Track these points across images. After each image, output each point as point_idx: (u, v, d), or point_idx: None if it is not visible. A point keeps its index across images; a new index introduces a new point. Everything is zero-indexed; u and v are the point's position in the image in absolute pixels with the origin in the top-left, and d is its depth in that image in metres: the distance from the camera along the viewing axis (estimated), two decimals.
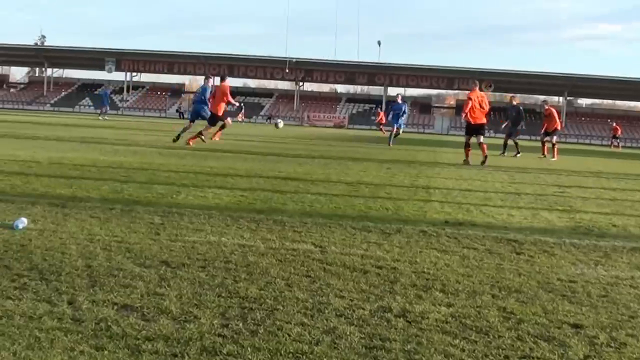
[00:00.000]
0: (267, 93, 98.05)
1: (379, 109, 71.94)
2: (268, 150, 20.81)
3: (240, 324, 4.04)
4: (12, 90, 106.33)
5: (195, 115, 22.37)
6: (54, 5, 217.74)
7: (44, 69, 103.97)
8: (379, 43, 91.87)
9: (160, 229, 6.67)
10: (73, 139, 21.66)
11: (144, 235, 6.35)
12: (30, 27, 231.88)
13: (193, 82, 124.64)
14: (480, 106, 19.10)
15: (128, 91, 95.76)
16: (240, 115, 76.13)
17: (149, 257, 5.48)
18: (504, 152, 26.09)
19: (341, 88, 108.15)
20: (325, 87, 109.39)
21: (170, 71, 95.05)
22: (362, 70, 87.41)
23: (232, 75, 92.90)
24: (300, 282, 4.98)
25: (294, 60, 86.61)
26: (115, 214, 7.37)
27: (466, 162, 19.08)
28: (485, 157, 18.83)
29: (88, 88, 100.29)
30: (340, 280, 5.10)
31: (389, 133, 29.97)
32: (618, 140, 61.56)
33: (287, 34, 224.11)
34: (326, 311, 4.36)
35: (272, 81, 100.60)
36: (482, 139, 19.20)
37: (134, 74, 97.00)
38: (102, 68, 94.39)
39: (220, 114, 21.61)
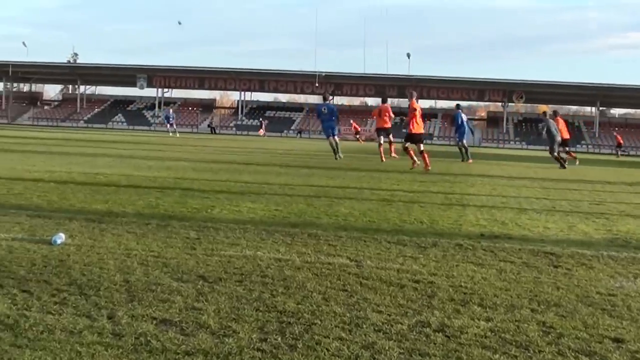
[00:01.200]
0: (298, 107, 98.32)
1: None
2: (300, 164, 20.85)
3: (279, 339, 4.03)
4: (46, 107, 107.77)
5: (331, 131, 24.72)
6: (86, 24, 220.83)
7: (77, 86, 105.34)
8: (409, 55, 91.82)
9: (196, 243, 6.70)
10: (107, 155, 21.88)
11: (180, 249, 6.38)
12: (63, 45, 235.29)
13: (224, 97, 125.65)
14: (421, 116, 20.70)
15: (160, 107, 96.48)
16: (261, 130, 76.30)
17: (186, 272, 5.50)
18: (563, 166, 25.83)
19: (371, 101, 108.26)
20: (355, 101, 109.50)
21: (201, 87, 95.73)
22: (391, 83, 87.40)
23: (262, 90, 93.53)
24: (337, 297, 4.96)
25: (324, 74, 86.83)
26: (151, 229, 7.42)
27: (415, 163, 20.46)
28: (426, 165, 20.07)
29: (120, 104, 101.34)
30: (377, 294, 5.07)
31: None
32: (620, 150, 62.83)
33: (316, 49, 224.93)
34: (364, 326, 4.33)
35: (302, 95, 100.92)
36: (422, 147, 20.39)
37: (166, 90, 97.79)
38: (134, 84, 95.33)
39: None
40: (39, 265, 5.53)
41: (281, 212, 9.15)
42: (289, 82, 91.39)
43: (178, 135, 56.43)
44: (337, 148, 24.76)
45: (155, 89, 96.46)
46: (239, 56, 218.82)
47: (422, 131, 20.76)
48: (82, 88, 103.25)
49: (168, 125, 61.21)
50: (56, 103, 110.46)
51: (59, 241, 6.39)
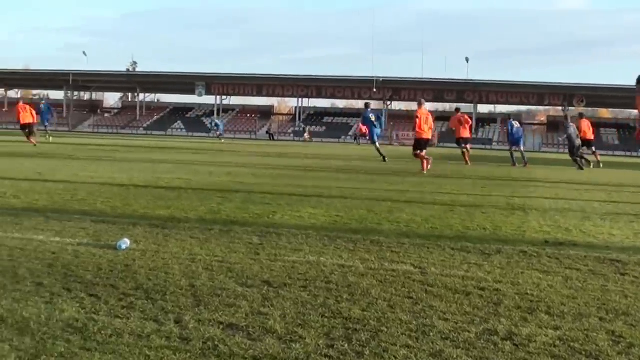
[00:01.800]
0: (356, 113, 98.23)
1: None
2: (358, 170, 20.83)
3: (346, 345, 4.02)
4: (106, 115, 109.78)
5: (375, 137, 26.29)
6: (145, 33, 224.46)
7: (136, 94, 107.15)
8: (467, 60, 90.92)
9: (260, 249, 6.74)
10: (167, 161, 22.19)
11: (244, 255, 6.42)
12: (122, 54, 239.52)
13: (282, 103, 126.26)
14: (427, 122, 21.52)
15: (218, 114, 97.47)
16: (306, 134, 76.42)
17: (250, 277, 5.53)
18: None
19: (429, 106, 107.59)
20: (413, 106, 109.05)
21: (259, 93, 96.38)
22: (450, 88, 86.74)
23: (320, 96, 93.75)
24: (402, 304, 4.93)
25: (381, 79, 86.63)
26: (214, 234, 7.49)
27: (422, 170, 21.13)
28: (423, 168, 21.16)
29: (179, 112, 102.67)
30: (442, 302, 5.03)
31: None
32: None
33: (374, 54, 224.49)
34: (431, 334, 4.30)
35: (360, 101, 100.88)
36: (424, 152, 21.50)
37: (224, 97, 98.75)
38: (192, 92, 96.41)
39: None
40: (105, 270, 5.62)
41: (342, 218, 9.15)
42: (347, 87, 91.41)
43: (223, 141, 57.86)
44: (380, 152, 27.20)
45: (213, 96, 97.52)
46: (296, 63, 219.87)
47: (428, 137, 21.86)
48: (141, 96, 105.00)
49: (217, 133, 67.07)
50: (116, 111, 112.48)
51: (124, 246, 6.48)
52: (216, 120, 76.55)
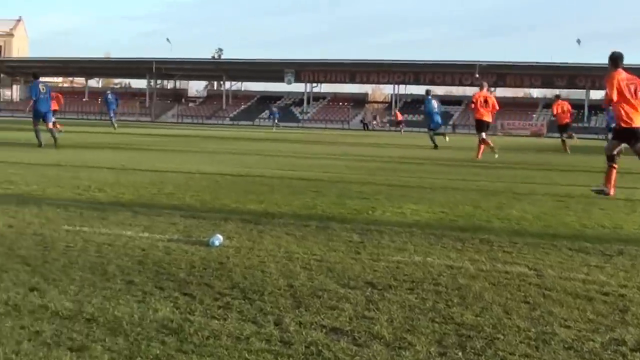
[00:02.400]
0: (456, 101, 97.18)
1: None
2: (460, 162, 20.60)
3: (460, 353, 3.96)
4: (190, 104, 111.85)
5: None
6: (230, 18, 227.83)
7: (222, 82, 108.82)
8: (579, 42, 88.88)
9: (360, 247, 6.73)
10: (257, 152, 22.46)
11: (344, 254, 6.42)
12: (207, 40, 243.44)
13: (376, 90, 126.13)
14: (486, 104, 23.04)
15: (308, 103, 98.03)
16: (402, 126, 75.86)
17: (352, 278, 5.52)
18: None
19: (537, 92, 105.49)
20: (519, 92, 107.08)
21: (352, 80, 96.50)
22: (560, 72, 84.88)
23: (417, 82, 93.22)
24: (518, 309, 4.83)
25: (484, 63, 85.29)
26: (311, 231, 7.52)
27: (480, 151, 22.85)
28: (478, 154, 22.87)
29: (267, 100, 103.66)
30: (563, 307, 4.90)
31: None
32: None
33: (475, 36, 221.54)
34: (552, 342, 4.19)
35: (460, 87, 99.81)
36: (484, 135, 23.00)
37: (314, 84, 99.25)
38: (281, 80, 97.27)
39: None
40: (198, 268, 5.70)
41: (447, 215, 9.05)
42: (446, 73, 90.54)
43: (274, 130, 61.38)
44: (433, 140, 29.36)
45: (303, 84, 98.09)
46: (390, 47, 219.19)
47: (488, 119, 23.24)
48: (227, 84, 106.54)
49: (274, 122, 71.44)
50: (201, 100, 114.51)
51: (216, 242, 6.57)
52: (274, 108, 79.38)
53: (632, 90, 11.99)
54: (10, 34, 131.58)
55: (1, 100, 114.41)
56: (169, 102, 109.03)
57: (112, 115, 46.52)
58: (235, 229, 7.48)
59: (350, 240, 7.07)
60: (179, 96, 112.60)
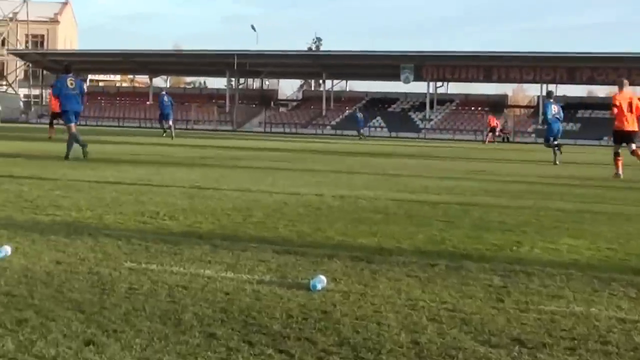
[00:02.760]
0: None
1: None
2: (628, 183, 20.20)
3: None
4: (281, 109, 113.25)
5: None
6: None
7: (321, 80, 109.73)
8: None
9: (503, 293, 6.66)
10: (367, 170, 22.55)
11: (482, 302, 6.36)
12: (302, 28, 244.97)
13: (518, 92, 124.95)
14: (630, 108, 23.05)
15: (431, 107, 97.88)
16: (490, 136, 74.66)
17: (494, 333, 5.46)
18: None
19: None
20: None
21: (487, 79, 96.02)
22: None
23: (572, 81, 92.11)
24: None
25: None
26: (439, 272, 7.48)
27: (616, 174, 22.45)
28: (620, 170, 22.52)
29: (379, 104, 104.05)
30: None
31: None
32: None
33: None
34: None
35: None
36: (633, 146, 22.93)
37: (439, 83, 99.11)
38: (396, 77, 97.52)
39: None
40: (296, 318, 5.73)
41: (616, 253, 8.90)
42: (609, 68, 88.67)
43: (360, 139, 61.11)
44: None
45: (425, 83, 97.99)
46: (539, 34, 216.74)
47: (633, 128, 23.15)
48: (328, 83, 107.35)
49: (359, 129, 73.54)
50: (294, 104, 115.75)
51: (319, 286, 6.59)
52: (357, 114, 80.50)
53: None
54: (54, 21, 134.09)
55: (44, 103, 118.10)
56: (254, 106, 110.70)
57: (170, 122, 47.64)
58: (342, 268, 7.51)
59: (490, 284, 7.01)
60: (266, 99, 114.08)
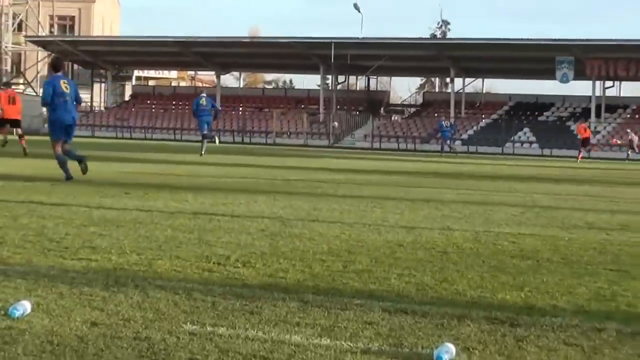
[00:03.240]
0: None
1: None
2: None
3: None
4: (394, 117, 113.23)
5: None
6: None
7: (448, 79, 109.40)
8: None
9: None
10: (509, 201, 22.38)
11: None
12: (422, 6, 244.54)
13: None
14: None
15: (598, 115, 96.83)
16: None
17: None
18: None
19: None
20: None
21: None
22: None
23: None
24: None
25: None
26: (608, 339, 7.39)
27: None
28: None
29: (526, 110, 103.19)
30: None
31: None
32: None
33: None
34: None
35: None
36: None
37: (608, 83, 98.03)
38: (549, 74, 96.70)
39: None
40: None
41: None
42: None
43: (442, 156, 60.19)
44: None
45: (588, 83, 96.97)
46: None
47: None
48: (457, 83, 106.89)
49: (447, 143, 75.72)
50: (412, 110, 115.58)
51: (445, 357, 6.58)
52: (443, 122, 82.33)
53: None
54: (89, 1, 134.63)
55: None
56: (357, 113, 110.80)
57: (205, 130, 48.23)
58: (476, 334, 7.47)
59: None
60: (374, 104, 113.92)
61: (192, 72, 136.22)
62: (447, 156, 73.12)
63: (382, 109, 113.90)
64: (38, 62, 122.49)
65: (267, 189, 24.67)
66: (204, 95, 50.17)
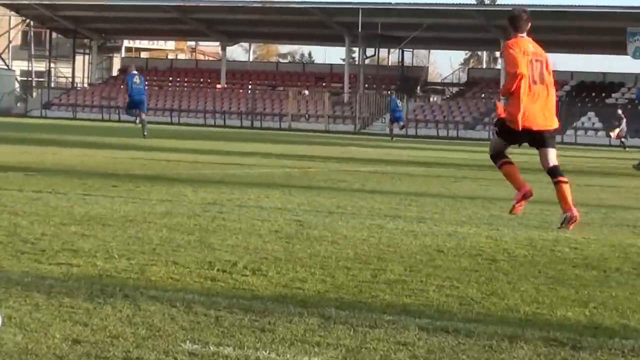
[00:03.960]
0: None
1: None
2: None
3: None
4: (434, 98, 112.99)
5: None
6: None
7: (497, 52, 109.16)
8: None
9: None
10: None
11: None
12: None
13: None
14: None
15: None
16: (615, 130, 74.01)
17: None
18: None
19: None
20: None
21: None
22: None
23: None
24: None
25: None
26: None
27: None
28: None
29: (592, 91, 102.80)
30: None
31: None
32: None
33: None
34: None
35: None
36: None
37: None
38: (620, 49, 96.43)
39: None
40: None
41: None
42: None
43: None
44: None
45: None
46: None
47: None
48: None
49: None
50: (455, 90, 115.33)
51: None
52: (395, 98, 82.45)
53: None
54: None
55: (53, 85, 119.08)
56: (389, 93, 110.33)
57: (143, 114, 48.57)
58: (532, 358, 7.46)
59: None
60: (410, 82, 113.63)
61: (193, 43, 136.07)
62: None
63: (418, 88, 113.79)
64: (10, 31, 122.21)
65: (281, 182, 24.71)
66: (136, 72, 50.83)
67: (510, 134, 16.87)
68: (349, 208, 18.29)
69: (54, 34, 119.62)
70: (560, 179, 16.21)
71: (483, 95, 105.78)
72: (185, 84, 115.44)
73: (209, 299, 9.18)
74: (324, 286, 10.17)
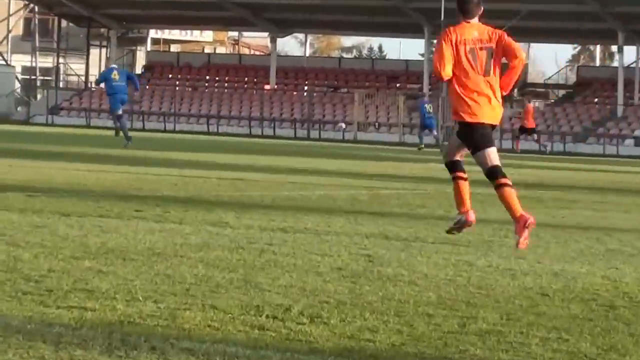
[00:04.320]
0: None
1: None
2: None
3: None
4: (535, 103, 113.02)
5: None
6: None
7: (614, 46, 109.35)
8: None
9: None
10: None
11: None
12: None
13: None
14: None
15: None
16: None
17: None
18: None
19: None
20: None
21: None
22: None
23: None
24: None
25: None
26: None
27: None
28: None
29: None
30: None
31: None
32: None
33: None
34: None
35: None
36: None
37: None
38: None
39: None
40: None
41: None
42: None
43: None
44: None
45: None
46: None
47: None
48: (629, 51, 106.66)
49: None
50: (562, 93, 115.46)
51: None
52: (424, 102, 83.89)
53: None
54: None
55: (62, 85, 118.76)
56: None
57: (119, 110, 49.07)
58: None
59: None
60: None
61: (235, 34, 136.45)
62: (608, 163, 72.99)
63: (515, 90, 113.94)
64: (9, 17, 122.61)
65: (345, 208, 24.78)
66: (115, 67, 51.39)
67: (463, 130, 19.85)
68: (430, 240, 18.34)
69: (64, 22, 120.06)
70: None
71: (596, 99, 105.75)
72: (226, 84, 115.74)
73: (256, 352, 9.15)
74: (400, 338, 10.15)
